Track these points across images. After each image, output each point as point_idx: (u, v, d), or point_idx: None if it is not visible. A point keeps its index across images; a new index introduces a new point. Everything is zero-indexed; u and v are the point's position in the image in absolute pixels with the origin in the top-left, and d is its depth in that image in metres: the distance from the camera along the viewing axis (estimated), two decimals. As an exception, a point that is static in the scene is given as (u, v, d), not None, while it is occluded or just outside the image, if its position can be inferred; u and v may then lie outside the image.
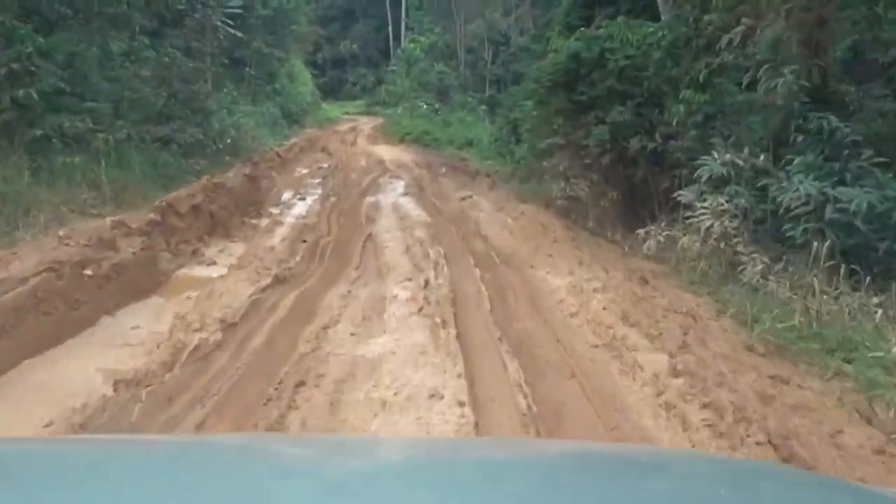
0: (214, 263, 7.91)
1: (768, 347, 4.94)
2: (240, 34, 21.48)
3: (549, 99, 9.93)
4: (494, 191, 13.43)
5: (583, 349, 5.24)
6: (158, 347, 5.06)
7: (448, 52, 35.34)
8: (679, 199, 7.49)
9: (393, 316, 5.93)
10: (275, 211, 11.66)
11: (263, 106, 21.88)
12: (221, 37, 20.65)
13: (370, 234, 9.55)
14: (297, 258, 8.04)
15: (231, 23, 20.89)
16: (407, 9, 50.95)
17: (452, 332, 5.45)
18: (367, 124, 32.69)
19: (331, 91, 56.33)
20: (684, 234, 7.18)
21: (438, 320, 5.68)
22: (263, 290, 6.46)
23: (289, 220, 10.81)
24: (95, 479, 0.99)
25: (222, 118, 14.29)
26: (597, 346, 5.25)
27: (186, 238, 8.34)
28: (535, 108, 11.05)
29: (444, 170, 17.10)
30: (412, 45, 34.71)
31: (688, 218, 7.18)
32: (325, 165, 17.76)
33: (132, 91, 11.30)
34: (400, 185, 14.82)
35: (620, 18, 9.71)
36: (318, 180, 15.26)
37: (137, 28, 12.85)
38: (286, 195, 13.35)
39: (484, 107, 30.21)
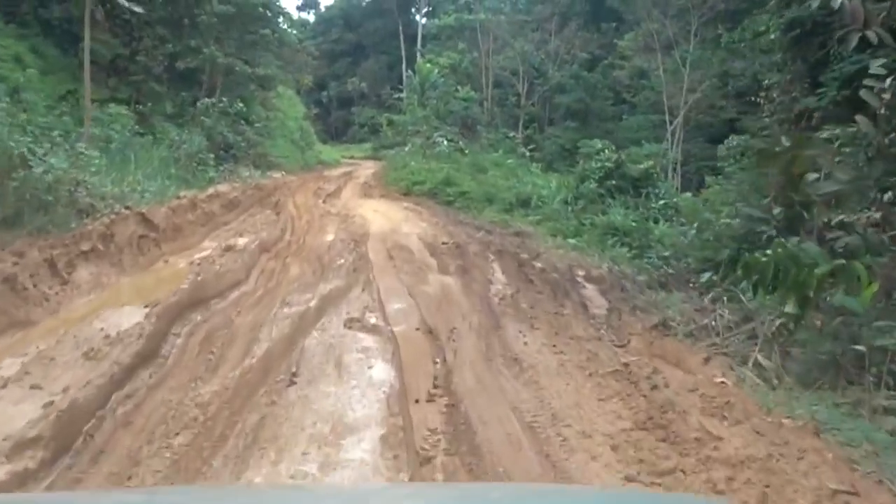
0: None
1: None
2: (140, 11, 12.69)
3: None
4: None
5: None
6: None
7: (473, 79, 26.89)
8: None
9: None
10: None
11: (178, 133, 12.79)
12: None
13: None
14: None
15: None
16: (423, 38, 43.32)
17: None
18: (367, 170, 24.96)
19: (336, 133, 48.81)
20: None
21: None
22: None
23: None
24: None
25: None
26: None
27: None
28: None
29: (504, 282, 6.77)
30: (428, 64, 25.80)
31: None
32: (242, 244, 8.45)
33: None
34: (368, 408, 4.01)
35: None
36: (133, 321, 5.20)
37: None
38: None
39: (530, 146, 21.29)
